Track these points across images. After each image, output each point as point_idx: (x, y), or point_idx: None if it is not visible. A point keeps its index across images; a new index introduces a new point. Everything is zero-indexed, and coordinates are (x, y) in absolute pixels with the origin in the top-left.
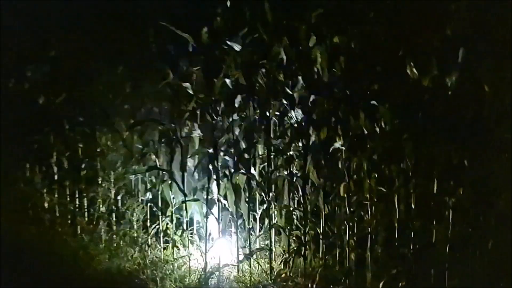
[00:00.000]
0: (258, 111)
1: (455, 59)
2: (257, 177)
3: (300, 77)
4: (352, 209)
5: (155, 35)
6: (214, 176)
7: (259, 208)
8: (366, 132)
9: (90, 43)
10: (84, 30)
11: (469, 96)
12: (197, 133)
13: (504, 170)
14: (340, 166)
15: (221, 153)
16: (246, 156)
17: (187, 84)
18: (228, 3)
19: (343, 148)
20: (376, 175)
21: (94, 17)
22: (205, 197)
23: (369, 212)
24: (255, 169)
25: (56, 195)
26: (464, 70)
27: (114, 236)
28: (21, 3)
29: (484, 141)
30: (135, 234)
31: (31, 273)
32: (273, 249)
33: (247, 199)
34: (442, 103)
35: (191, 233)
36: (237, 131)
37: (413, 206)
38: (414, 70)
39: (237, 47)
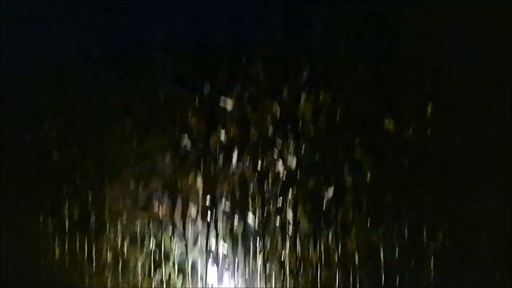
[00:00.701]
0: (251, 162)
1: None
2: (252, 226)
3: (289, 130)
4: (339, 255)
5: (161, 91)
6: (213, 225)
7: (255, 255)
8: (350, 181)
9: (101, 100)
10: (96, 89)
11: (442, 147)
12: (197, 184)
13: (485, 213)
14: (328, 214)
15: (220, 203)
16: (241, 205)
17: (186, 137)
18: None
19: (330, 197)
20: (361, 223)
21: (106, 77)
22: (205, 245)
23: (356, 259)
24: (254, 216)
25: (66, 244)
26: (436, 124)
27: (119, 285)
28: (38, 62)
29: (464, 188)
30: (139, 283)
31: None
32: None
33: (244, 246)
34: (417, 154)
35: (193, 281)
36: (233, 182)
37: (397, 253)
38: (392, 123)
39: (229, 105)
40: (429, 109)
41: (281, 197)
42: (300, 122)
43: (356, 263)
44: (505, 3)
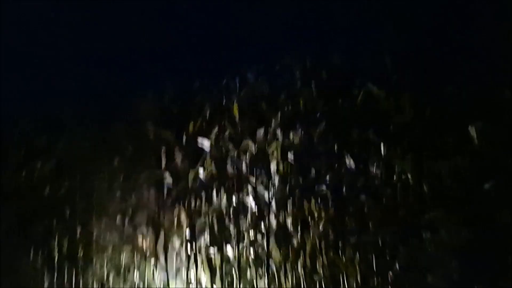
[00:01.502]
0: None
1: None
2: (229, 257)
3: (261, 168)
4: (307, 283)
5: (145, 131)
6: (193, 257)
7: (232, 284)
8: (316, 214)
9: (92, 140)
10: (86, 131)
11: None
12: (178, 217)
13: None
14: (297, 244)
15: (199, 235)
16: (218, 237)
17: (169, 175)
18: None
19: (299, 229)
20: (327, 254)
21: (94, 120)
22: (185, 276)
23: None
24: (231, 248)
25: (55, 276)
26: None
27: None
28: (31, 106)
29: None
30: None
31: None
32: None
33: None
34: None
35: None
36: (211, 215)
37: (358, 280)
38: (351, 161)
39: (206, 144)
40: (382, 149)
41: (253, 230)
42: (271, 160)
43: None
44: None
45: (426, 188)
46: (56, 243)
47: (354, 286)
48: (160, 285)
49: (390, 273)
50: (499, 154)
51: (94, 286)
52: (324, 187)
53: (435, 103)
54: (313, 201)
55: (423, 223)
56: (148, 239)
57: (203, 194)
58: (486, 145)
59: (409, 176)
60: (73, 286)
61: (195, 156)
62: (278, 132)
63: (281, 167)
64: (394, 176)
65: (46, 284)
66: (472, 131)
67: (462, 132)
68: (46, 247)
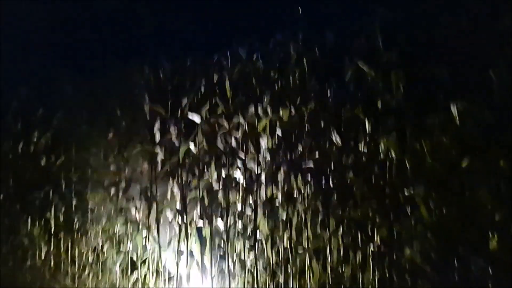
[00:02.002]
0: (217, 171)
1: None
2: (219, 229)
3: (250, 144)
4: (293, 256)
5: (139, 108)
6: (184, 228)
7: (222, 255)
8: (302, 189)
9: (86, 114)
10: (82, 104)
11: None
12: (171, 191)
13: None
14: (284, 218)
15: (190, 208)
16: (208, 211)
17: (159, 150)
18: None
19: (285, 203)
20: (312, 228)
21: (92, 93)
22: (176, 246)
23: (307, 259)
24: (221, 220)
25: (51, 246)
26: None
27: (98, 282)
28: (33, 82)
29: (399, 202)
30: (117, 281)
31: None
32: None
33: (211, 249)
34: (361, 166)
35: (165, 281)
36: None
37: (341, 253)
38: (338, 138)
39: (197, 118)
40: (367, 126)
41: (242, 203)
42: (260, 136)
43: (307, 262)
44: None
45: (408, 165)
46: (52, 213)
47: (337, 258)
48: (153, 255)
49: (371, 246)
50: (480, 133)
51: (89, 256)
52: (311, 163)
53: (422, 82)
54: (300, 176)
55: (404, 199)
56: (141, 211)
57: (194, 168)
58: (467, 124)
59: (393, 153)
60: (69, 255)
61: (187, 131)
62: (269, 108)
63: (270, 143)
64: (379, 154)
65: (43, 253)
66: (454, 110)
67: (445, 111)
68: (43, 217)
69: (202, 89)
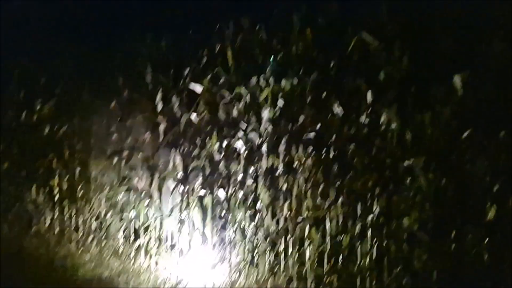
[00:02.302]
0: (218, 141)
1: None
2: (220, 198)
3: (252, 113)
4: (293, 225)
5: (142, 75)
6: (185, 197)
7: (223, 224)
8: (303, 160)
9: (89, 83)
10: (85, 72)
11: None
12: (173, 160)
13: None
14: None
15: (192, 177)
16: (210, 179)
17: (161, 119)
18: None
19: (286, 173)
20: (311, 197)
21: (95, 62)
22: (178, 215)
23: (307, 228)
24: (222, 189)
25: (55, 213)
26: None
27: (101, 249)
28: (32, 49)
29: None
30: (120, 248)
31: (29, 276)
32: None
33: (212, 217)
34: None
35: (167, 247)
36: (203, 158)
37: (339, 223)
38: (339, 108)
39: (199, 89)
40: (369, 97)
41: (243, 173)
42: (261, 106)
43: (306, 231)
44: None
45: (409, 136)
46: (56, 182)
47: (336, 228)
48: (155, 223)
49: (370, 216)
50: (482, 104)
51: (92, 223)
52: (312, 134)
53: (425, 53)
54: (301, 146)
55: (403, 170)
56: (143, 180)
57: (196, 138)
58: (469, 95)
59: (394, 125)
60: (72, 223)
61: (189, 101)
62: (271, 79)
63: (271, 113)
64: (380, 125)
65: (47, 220)
66: (458, 80)
67: (447, 82)
68: (47, 185)
69: (204, 59)
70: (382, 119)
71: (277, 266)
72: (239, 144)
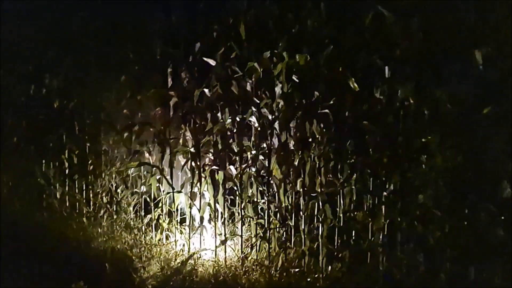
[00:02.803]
0: (231, 116)
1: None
2: (232, 174)
3: (265, 89)
4: (305, 201)
5: (152, 50)
6: (197, 173)
7: (234, 200)
8: (317, 136)
9: (99, 56)
10: (93, 46)
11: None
12: (184, 135)
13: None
14: (298, 163)
15: (204, 153)
16: (222, 155)
17: (174, 94)
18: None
19: (299, 149)
20: (325, 173)
21: (103, 35)
22: (189, 190)
23: (320, 204)
24: (233, 165)
25: (66, 187)
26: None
27: (113, 222)
28: (41, 22)
29: (415, 147)
30: (130, 221)
31: (42, 249)
32: (243, 236)
33: (223, 193)
34: (377, 112)
35: (178, 222)
36: (215, 134)
37: (353, 199)
38: (355, 84)
39: (212, 63)
40: (384, 72)
41: (256, 149)
42: (276, 81)
43: (320, 207)
44: None
45: (425, 113)
46: (66, 155)
47: (348, 204)
48: (166, 198)
49: (384, 193)
50: (502, 80)
51: (103, 196)
52: (326, 110)
53: (443, 28)
54: (315, 122)
55: (419, 146)
56: (154, 155)
57: (208, 113)
58: (490, 70)
59: (411, 101)
60: (84, 197)
61: (201, 76)
62: (284, 53)
63: (285, 89)
64: (396, 101)
65: (58, 194)
66: (478, 55)
67: (467, 58)
68: (58, 160)
69: (217, 33)
70: (398, 95)
71: (289, 242)
72: (252, 120)
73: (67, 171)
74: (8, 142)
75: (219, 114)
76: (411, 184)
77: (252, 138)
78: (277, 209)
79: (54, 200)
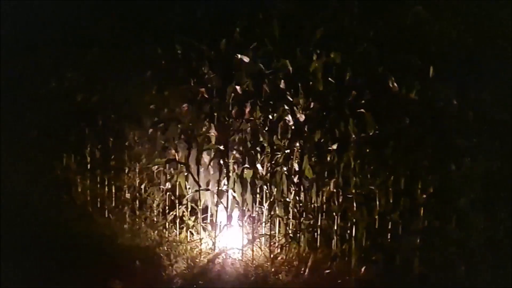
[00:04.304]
0: (263, 114)
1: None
2: (261, 172)
3: (299, 86)
4: (340, 202)
5: (180, 45)
6: (225, 170)
7: (263, 200)
8: (353, 136)
9: (123, 50)
10: (118, 40)
11: (438, 107)
12: (211, 132)
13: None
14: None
15: (232, 150)
16: (252, 153)
17: (203, 89)
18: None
19: (334, 149)
20: (361, 174)
21: (127, 29)
22: (216, 188)
23: (354, 205)
24: (261, 165)
25: (88, 182)
26: (436, 85)
27: (136, 219)
28: (65, 17)
29: (457, 150)
30: (155, 219)
31: (63, 245)
32: (273, 235)
33: (252, 191)
34: (417, 113)
35: (204, 220)
36: (245, 132)
37: (391, 201)
38: (395, 84)
39: (246, 59)
40: (430, 72)
41: (288, 149)
42: (310, 79)
43: (354, 209)
44: None
45: (470, 114)
46: (88, 150)
47: (384, 206)
48: (192, 195)
49: (423, 196)
50: None
51: (127, 192)
52: (363, 109)
53: (485, 27)
54: (351, 121)
55: (462, 148)
56: (180, 151)
57: (238, 110)
58: None
59: (454, 101)
60: (106, 192)
61: (231, 72)
62: (319, 50)
63: (320, 86)
64: (438, 101)
65: (79, 188)
66: None
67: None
68: (79, 153)
69: (247, 29)
70: (440, 95)
71: (320, 243)
72: (284, 118)
73: (88, 165)
74: (29, 136)
75: (249, 111)
76: (451, 187)
77: (285, 136)
78: (308, 209)
79: (75, 195)
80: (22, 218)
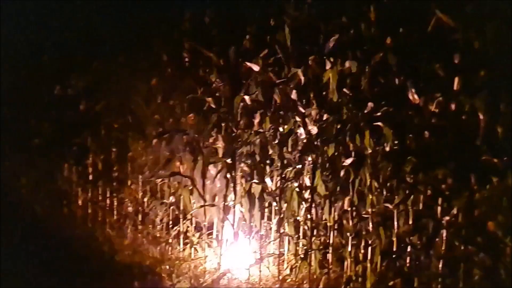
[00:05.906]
0: (273, 126)
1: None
2: (270, 187)
3: (312, 97)
4: (355, 221)
5: (187, 52)
6: (232, 184)
7: (271, 216)
8: (370, 150)
9: (128, 57)
10: (123, 47)
11: (464, 121)
12: (218, 144)
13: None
14: (346, 181)
15: (239, 164)
16: (261, 167)
17: (210, 99)
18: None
19: (349, 164)
20: (378, 191)
21: (133, 36)
22: (222, 203)
23: (370, 225)
24: (270, 180)
25: (89, 194)
26: (460, 97)
27: (138, 234)
28: (70, 25)
29: (483, 166)
30: (157, 234)
31: (60, 259)
32: (282, 255)
33: (260, 207)
34: (439, 127)
35: (209, 237)
36: (254, 144)
37: (410, 222)
38: (416, 96)
39: (255, 67)
40: (455, 83)
41: (300, 163)
42: (324, 90)
43: (370, 229)
44: None
45: (498, 130)
46: (90, 160)
47: (404, 227)
48: (196, 210)
49: (446, 217)
50: None
51: (128, 207)
52: (381, 122)
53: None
54: (367, 134)
55: (489, 166)
56: (185, 164)
57: (246, 121)
58: None
59: (480, 115)
60: (107, 205)
61: (240, 81)
62: (333, 58)
63: (334, 97)
64: (463, 114)
65: (80, 199)
66: None
67: None
68: (81, 163)
69: (257, 36)
70: (466, 108)
71: (332, 264)
72: (296, 130)
73: (90, 176)
74: (30, 143)
75: (258, 123)
76: (477, 208)
77: (296, 150)
78: (319, 228)
79: (75, 206)
80: (21, 228)
